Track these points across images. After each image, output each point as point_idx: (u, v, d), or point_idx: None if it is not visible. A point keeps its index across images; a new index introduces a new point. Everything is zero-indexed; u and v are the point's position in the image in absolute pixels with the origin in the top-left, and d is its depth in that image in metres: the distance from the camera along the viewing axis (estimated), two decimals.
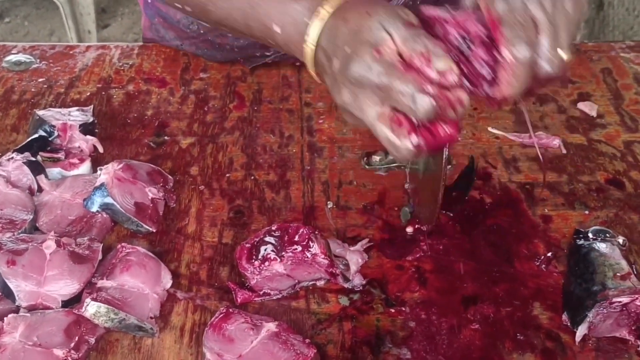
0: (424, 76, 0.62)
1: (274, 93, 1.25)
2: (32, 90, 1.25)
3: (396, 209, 1.01)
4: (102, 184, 0.97)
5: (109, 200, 0.97)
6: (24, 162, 1.01)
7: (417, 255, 0.94)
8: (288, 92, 1.24)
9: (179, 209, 1.02)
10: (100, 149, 1.10)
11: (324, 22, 0.71)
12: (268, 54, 1.23)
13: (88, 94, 1.24)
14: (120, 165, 1.01)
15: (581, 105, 1.19)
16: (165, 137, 1.15)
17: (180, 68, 1.31)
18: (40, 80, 1.27)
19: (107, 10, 4.27)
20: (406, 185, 1.04)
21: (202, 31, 1.15)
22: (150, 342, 0.84)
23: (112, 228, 0.99)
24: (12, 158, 1.02)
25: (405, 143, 0.64)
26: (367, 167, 1.09)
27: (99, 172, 1.02)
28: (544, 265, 0.92)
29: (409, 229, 0.97)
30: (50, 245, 0.90)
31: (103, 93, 1.24)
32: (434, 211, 0.86)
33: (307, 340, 0.81)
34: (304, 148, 1.13)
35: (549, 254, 0.93)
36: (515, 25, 0.62)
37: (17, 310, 0.86)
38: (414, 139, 0.64)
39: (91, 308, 0.84)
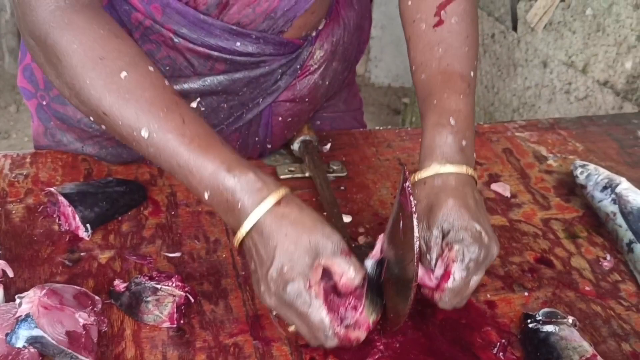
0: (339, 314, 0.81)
1: (189, 195, 1.19)
2: None
3: None
4: (27, 315, 0.87)
5: (37, 332, 0.87)
6: None
7: (377, 357, 0.91)
8: None
9: (112, 333, 0.94)
10: (10, 273, 1.00)
11: (263, 215, 0.79)
12: None
13: None
14: (44, 291, 0.91)
15: (494, 187, 1.23)
16: (81, 253, 1.06)
17: (81, 175, 1.22)
18: None
19: None
20: None
21: (103, 128, 1.09)
22: None
23: None
24: None
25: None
26: None
27: (17, 300, 0.91)
28: (501, 353, 0.92)
29: None
30: None
31: (0, 209, 1.13)
32: (401, 315, 0.84)
33: None
34: (234, 252, 1.08)
35: (503, 341, 0.93)
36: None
37: None
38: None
39: None
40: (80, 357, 0.88)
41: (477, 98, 2.40)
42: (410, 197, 0.80)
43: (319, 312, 0.78)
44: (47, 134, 1.24)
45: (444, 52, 0.99)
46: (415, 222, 0.79)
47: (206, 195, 0.82)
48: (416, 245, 0.79)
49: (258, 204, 0.78)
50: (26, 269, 1.03)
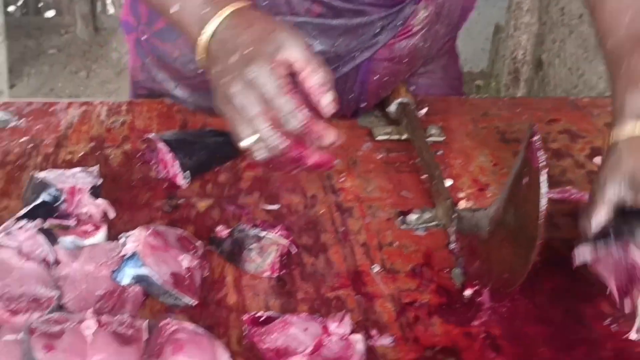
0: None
1: None
2: (16, 150, 1.12)
3: (446, 270, 0.95)
4: (134, 254, 0.86)
5: (143, 271, 0.86)
6: (38, 231, 0.89)
7: (483, 320, 0.88)
8: None
9: (213, 279, 0.92)
10: (111, 214, 0.99)
11: (225, 17, 0.80)
12: None
13: (81, 153, 1.13)
14: (149, 231, 0.90)
15: (597, 160, 1.19)
16: (179, 200, 1.05)
17: (177, 125, 1.22)
18: (23, 139, 1.15)
19: (13, 70, 4.07)
20: (451, 246, 0.99)
21: (199, 71, 1.07)
22: None
23: (143, 303, 0.88)
24: (23, 227, 0.89)
25: (276, 139, 0.77)
26: (403, 227, 1.03)
27: (122, 239, 0.91)
28: (615, 325, 0.88)
29: (467, 292, 0.91)
30: (90, 325, 0.78)
31: (98, 153, 1.13)
32: (519, 276, 0.81)
33: None
34: (332, 208, 1.05)
35: (618, 314, 0.89)
36: None
37: None
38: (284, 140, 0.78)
39: None
40: (184, 298, 0.87)
41: (559, 80, 2.34)
42: (539, 152, 0.76)
43: (283, 90, 0.75)
44: (143, 68, 1.24)
45: (632, 18, 0.96)
46: (543, 178, 0.75)
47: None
48: (542, 202, 0.75)
49: (230, 4, 0.81)
50: (126, 211, 1.02)
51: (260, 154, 0.79)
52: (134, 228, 0.94)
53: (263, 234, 0.92)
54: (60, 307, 0.84)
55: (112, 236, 0.96)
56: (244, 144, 0.79)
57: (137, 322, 0.81)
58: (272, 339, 0.81)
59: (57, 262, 0.89)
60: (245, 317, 0.84)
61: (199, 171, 1.10)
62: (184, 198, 1.06)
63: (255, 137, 0.78)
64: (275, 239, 0.92)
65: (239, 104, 0.77)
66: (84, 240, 0.94)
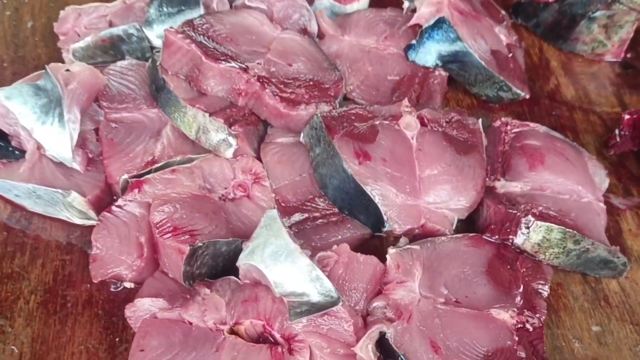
0: None
1: None
2: None
3: None
4: (440, 20, 0.58)
5: (458, 46, 0.58)
6: None
7: None
8: None
9: (533, 64, 0.64)
10: None
11: None
12: None
13: None
14: None
15: None
16: None
17: None
18: None
19: None
20: None
21: None
22: (617, 285, 0.48)
23: (445, 95, 0.61)
24: None
25: None
26: None
27: (407, 3, 0.63)
28: None
29: None
30: (410, 123, 0.52)
31: None
32: None
33: None
34: None
35: None
36: None
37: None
38: None
39: (536, 233, 0.47)
40: (513, 89, 0.59)
41: None
42: None
43: None
44: None
45: None
46: None
47: None
48: None
49: None
50: None
51: None
52: None
53: None
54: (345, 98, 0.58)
55: (375, 2, 0.67)
56: None
57: (470, 121, 0.54)
58: None
59: (319, 36, 0.62)
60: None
61: None
62: None
63: None
64: (635, 4, 0.62)
65: None
66: (345, 5, 0.65)
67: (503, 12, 0.67)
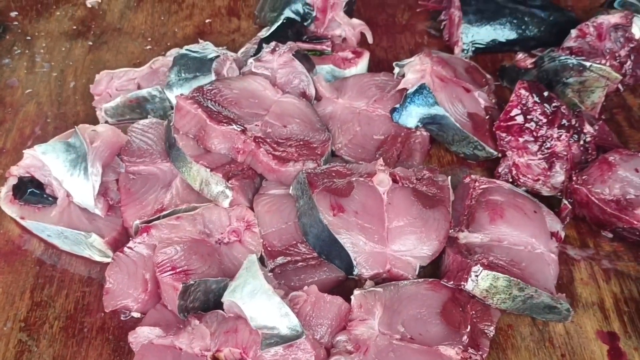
0: None
1: None
2: None
3: None
4: (422, 87, 0.65)
5: (436, 110, 0.65)
6: (294, 55, 0.69)
7: None
8: None
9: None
10: (370, 39, 0.78)
11: None
12: None
13: None
14: (434, 58, 0.69)
15: None
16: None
17: None
18: None
19: None
20: None
21: None
22: (562, 329, 0.54)
23: (428, 152, 0.68)
24: (276, 50, 0.70)
25: None
26: None
27: (397, 69, 0.70)
28: None
29: None
30: (383, 180, 0.59)
31: None
32: None
33: None
34: None
35: None
36: None
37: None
38: None
39: (484, 280, 0.54)
40: (487, 147, 0.66)
41: None
42: None
43: None
44: None
45: None
46: None
47: None
48: None
49: None
50: (383, 36, 0.81)
51: None
52: (397, 58, 0.74)
53: (588, 63, 0.68)
54: (332, 154, 0.66)
55: (373, 66, 0.75)
56: None
57: (439, 178, 0.62)
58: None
59: (317, 98, 0.70)
60: None
61: None
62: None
63: None
64: (604, 72, 0.68)
65: None
66: (344, 70, 0.74)
67: (488, 75, 0.74)
